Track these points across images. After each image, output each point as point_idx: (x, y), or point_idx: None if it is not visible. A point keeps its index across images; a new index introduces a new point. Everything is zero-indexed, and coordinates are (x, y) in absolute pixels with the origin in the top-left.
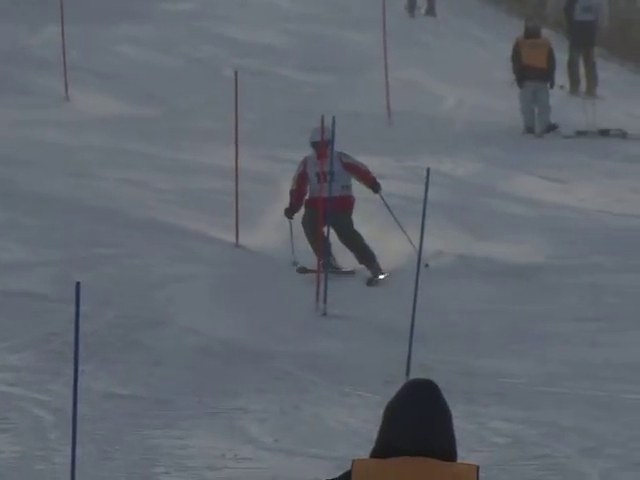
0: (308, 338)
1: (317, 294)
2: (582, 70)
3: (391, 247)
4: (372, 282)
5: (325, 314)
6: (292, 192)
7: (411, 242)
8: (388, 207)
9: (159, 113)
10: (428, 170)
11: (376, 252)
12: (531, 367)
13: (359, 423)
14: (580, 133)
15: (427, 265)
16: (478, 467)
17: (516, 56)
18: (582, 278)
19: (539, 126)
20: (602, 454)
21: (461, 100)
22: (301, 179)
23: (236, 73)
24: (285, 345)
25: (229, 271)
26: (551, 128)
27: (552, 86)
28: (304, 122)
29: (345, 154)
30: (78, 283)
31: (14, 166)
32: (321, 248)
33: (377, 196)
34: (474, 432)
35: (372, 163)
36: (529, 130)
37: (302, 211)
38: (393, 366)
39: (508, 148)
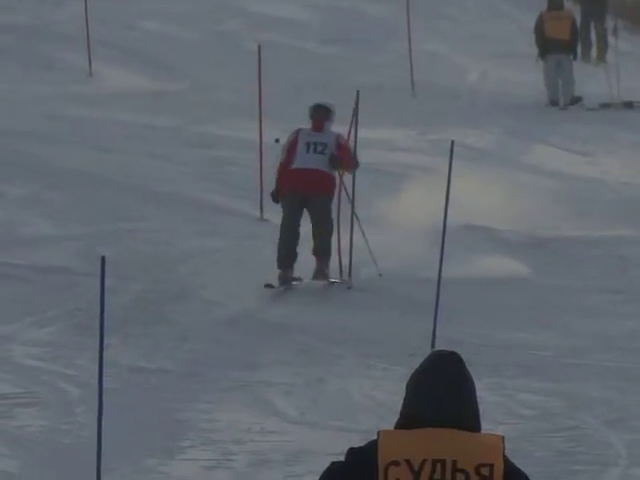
0: (333, 311)
1: (341, 268)
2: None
3: (415, 219)
4: (315, 276)
5: (350, 287)
6: (281, 165)
7: (364, 235)
8: (347, 192)
9: (183, 87)
10: (452, 143)
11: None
12: (557, 339)
13: (384, 395)
14: (604, 105)
15: (380, 275)
16: (503, 437)
17: (539, 29)
18: (607, 250)
19: (563, 98)
20: (628, 426)
21: (485, 72)
22: (290, 148)
23: (259, 47)
24: (310, 318)
25: (253, 244)
26: (575, 101)
27: (575, 58)
28: (328, 95)
29: (343, 137)
30: (103, 257)
31: (38, 141)
32: (286, 260)
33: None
34: (501, 404)
35: (396, 136)
36: (553, 102)
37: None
38: (418, 339)
39: (532, 120)
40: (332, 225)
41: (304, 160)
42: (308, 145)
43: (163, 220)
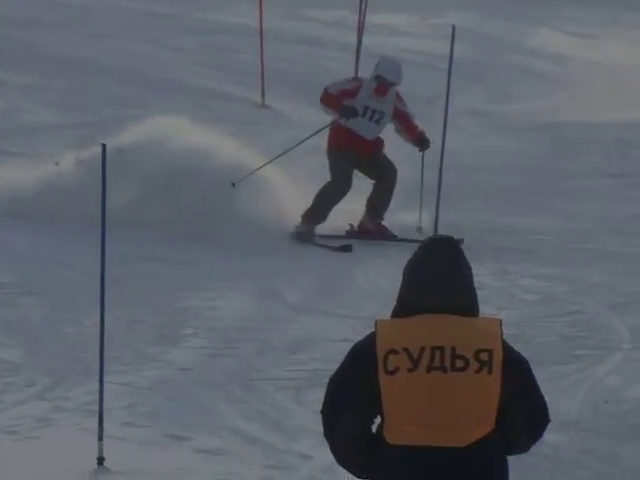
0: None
1: None
2: None
3: (416, 104)
4: (351, 230)
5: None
6: (333, 97)
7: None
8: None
9: None
10: (453, 27)
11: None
12: (560, 224)
13: (387, 282)
14: None
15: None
16: (501, 320)
17: None
18: (608, 134)
19: None
20: (631, 310)
21: None
22: (349, 91)
23: None
24: None
25: (256, 130)
26: None
27: None
28: None
29: (402, 98)
30: (104, 145)
31: (38, 28)
32: (325, 216)
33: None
34: (504, 289)
35: (396, 21)
36: None
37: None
38: (422, 225)
39: (534, 3)
40: (396, 175)
41: (358, 125)
42: (366, 109)
43: (164, 107)
